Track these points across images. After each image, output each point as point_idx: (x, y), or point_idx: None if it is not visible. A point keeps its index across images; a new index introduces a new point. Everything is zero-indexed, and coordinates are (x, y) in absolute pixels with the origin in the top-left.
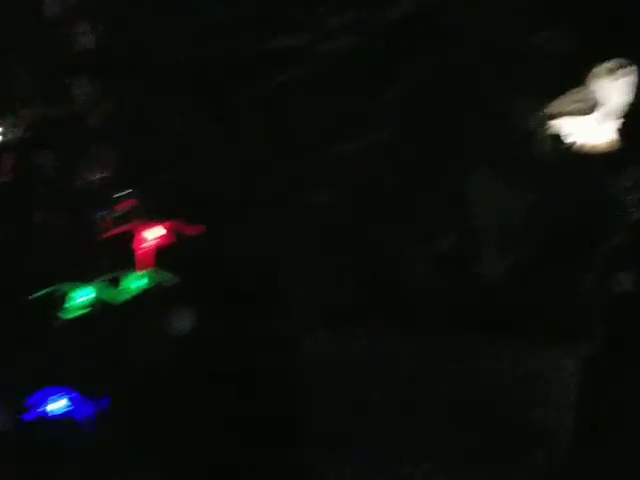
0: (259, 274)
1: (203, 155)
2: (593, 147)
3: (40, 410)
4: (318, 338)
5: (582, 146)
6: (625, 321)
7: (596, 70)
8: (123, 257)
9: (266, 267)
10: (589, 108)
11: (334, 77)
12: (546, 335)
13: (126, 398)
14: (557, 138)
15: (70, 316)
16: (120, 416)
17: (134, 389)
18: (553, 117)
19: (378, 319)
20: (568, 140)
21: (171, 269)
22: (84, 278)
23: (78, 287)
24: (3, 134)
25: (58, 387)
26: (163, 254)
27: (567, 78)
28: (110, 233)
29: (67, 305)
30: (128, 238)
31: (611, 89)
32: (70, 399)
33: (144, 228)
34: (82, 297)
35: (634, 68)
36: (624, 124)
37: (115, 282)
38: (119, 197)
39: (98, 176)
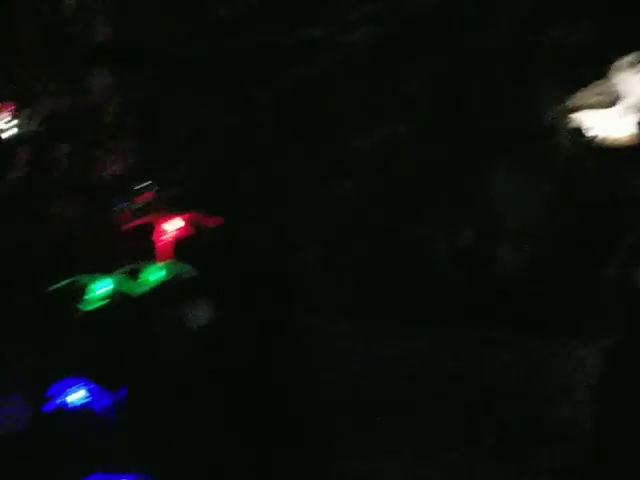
0: (278, 266)
1: (222, 147)
2: (614, 140)
3: (60, 401)
4: (338, 331)
5: (604, 139)
6: None
7: (618, 63)
8: (142, 249)
9: (285, 260)
10: (611, 101)
11: (354, 69)
12: (565, 328)
13: (145, 389)
14: (578, 131)
15: (89, 308)
16: (138, 407)
17: (153, 380)
18: (574, 110)
19: (397, 312)
20: (589, 133)
21: (190, 261)
22: (103, 270)
23: (97, 279)
24: (19, 127)
25: (77, 378)
26: (182, 246)
27: (589, 71)
28: (130, 225)
29: (87, 297)
30: (148, 230)
31: (633, 82)
32: (89, 390)
33: (164, 220)
34: (101, 289)
35: None
36: None
37: (134, 274)
38: (139, 189)
39: (117, 168)
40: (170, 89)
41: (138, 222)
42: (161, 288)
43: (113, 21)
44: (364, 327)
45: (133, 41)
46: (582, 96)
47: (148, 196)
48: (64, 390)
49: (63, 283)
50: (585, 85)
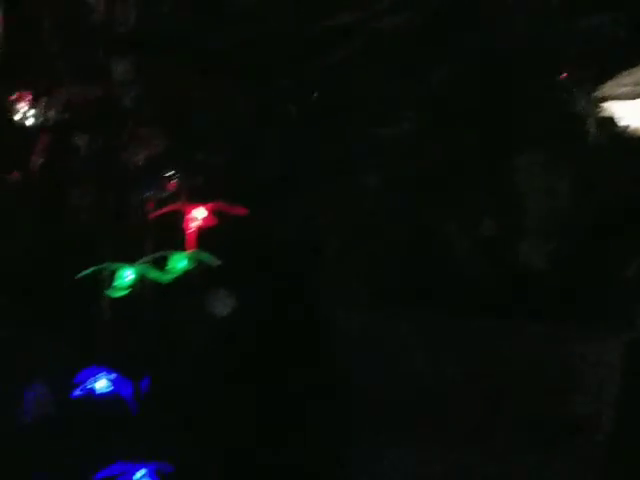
0: (304, 256)
1: (245, 136)
2: None
3: (87, 388)
4: (359, 322)
5: (634, 130)
6: None
7: None
8: (169, 238)
9: (311, 249)
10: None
11: (384, 58)
12: (586, 324)
13: (169, 378)
14: (609, 121)
15: (117, 295)
16: (160, 395)
17: (177, 369)
18: (604, 100)
19: (417, 304)
20: (620, 124)
21: (213, 251)
22: (130, 258)
23: (124, 267)
24: (37, 116)
25: (102, 366)
26: (208, 235)
27: (618, 61)
28: (156, 214)
29: (114, 284)
30: (174, 219)
31: None
32: (112, 378)
33: (190, 209)
34: (128, 276)
35: None
36: None
37: (161, 262)
38: (165, 178)
39: (140, 158)
40: (193, 77)
41: (163, 211)
42: (185, 277)
43: (133, 9)
44: (384, 318)
45: (153, 29)
46: (611, 86)
47: (172, 185)
48: (91, 377)
49: (90, 270)
50: (614, 76)
